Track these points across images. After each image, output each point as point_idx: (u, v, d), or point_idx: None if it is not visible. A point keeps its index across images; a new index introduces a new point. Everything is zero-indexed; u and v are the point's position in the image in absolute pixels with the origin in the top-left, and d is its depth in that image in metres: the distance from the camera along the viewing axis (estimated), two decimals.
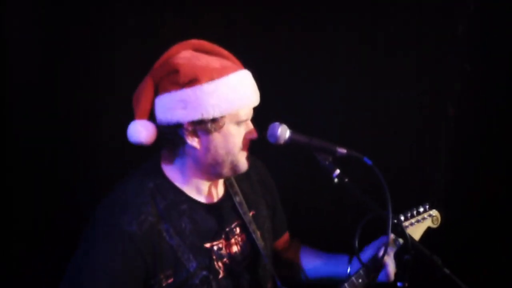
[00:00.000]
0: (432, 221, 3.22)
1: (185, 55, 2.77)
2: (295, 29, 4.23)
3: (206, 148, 2.75)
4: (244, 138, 2.79)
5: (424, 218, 3.19)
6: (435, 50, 4.27)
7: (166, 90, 2.73)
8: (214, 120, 2.70)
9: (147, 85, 2.77)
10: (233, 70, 2.76)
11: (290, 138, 2.74)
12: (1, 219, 3.73)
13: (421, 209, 3.20)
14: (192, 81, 2.68)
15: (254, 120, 2.87)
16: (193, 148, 2.75)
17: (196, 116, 2.68)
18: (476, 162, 4.34)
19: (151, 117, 2.79)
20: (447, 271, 2.70)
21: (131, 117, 3.69)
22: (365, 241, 2.91)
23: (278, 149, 2.86)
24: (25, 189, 3.81)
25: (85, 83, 3.95)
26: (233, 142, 2.76)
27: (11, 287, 3.74)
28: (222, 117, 2.71)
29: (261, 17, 4.22)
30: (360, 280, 2.97)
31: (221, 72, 2.72)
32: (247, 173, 2.95)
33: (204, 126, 2.70)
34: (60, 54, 3.88)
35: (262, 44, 4.16)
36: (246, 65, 2.89)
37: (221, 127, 2.72)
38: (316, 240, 3.35)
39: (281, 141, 2.75)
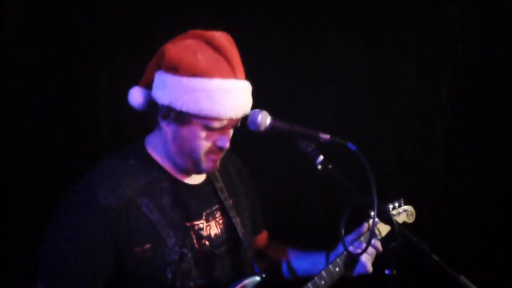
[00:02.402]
0: (407, 216, 3.25)
1: (189, 43, 2.74)
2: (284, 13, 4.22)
3: (173, 136, 2.76)
4: (214, 144, 2.74)
5: (399, 213, 3.23)
6: (425, 32, 4.22)
7: (160, 68, 2.75)
8: (180, 114, 2.68)
9: (154, 57, 2.81)
10: (223, 76, 2.68)
11: (271, 125, 2.68)
12: (1, 219, 3.75)
13: (396, 204, 3.23)
14: (173, 69, 2.68)
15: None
16: (164, 130, 2.77)
17: (166, 102, 2.68)
18: (472, 147, 4.28)
19: None
20: (435, 257, 2.61)
21: (130, 115, 3.74)
22: (352, 229, 2.84)
23: (260, 142, 2.82)
24: (25, 187, 3.83)
25: (84, 82, 3.98)
26: (199, 144, 2.72)
27: (11, 285, 3.74)
28: (188, 114, 2.67)
29: (260, 14, 4.22)
30: (337, 269, 2.98)
31: (204, 72, 2.66)
32: (225, 166, 2.99)
33: (172, 115, 2.70)
34: (59, 52, 3.91)
35: (260, 38, 4.15)
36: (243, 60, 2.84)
37: (187, 123, 2.70)
38: (297, 233, 3.32)
39: (262, 128, 2.68)
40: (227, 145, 2.74)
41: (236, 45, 2.81)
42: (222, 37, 2.74)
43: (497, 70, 4.22)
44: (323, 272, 2.96)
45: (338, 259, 2.99)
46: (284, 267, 3.22)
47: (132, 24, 4.05)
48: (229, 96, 2.68)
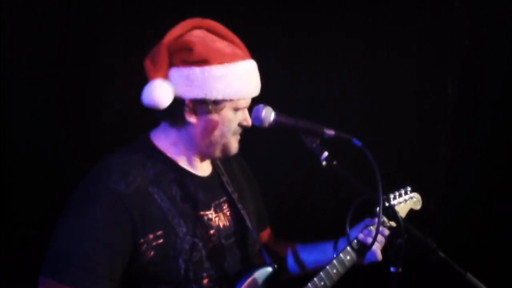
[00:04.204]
0: (414, 203, 3.26)
1: (199, 34, 2.77)
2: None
3: (203, 127, 2.76)
4: (239, 124, 2.80)
5: (406, 200, 3.22)
6: (432, 26, 4.22)
7: (174, 64, 2.73)
8: (215, 102, 2.71)
9: (163, 50, 2.73)
10: (242, 58, 2.78)
11: (275, 120, 2.71)
12: (1, 219, 3.73)
13: (403, 191, 3.23)
14: (203, 61, 2.69)
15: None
16: (191, 125, 2.76)
17: (200, 95, 2.70)
18: (478, 140, 4.29)
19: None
20: (442, 254, 2.60)
21: (131, 114, 3.74)
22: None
23: (265, 139, 2.80)
24: (25, 187, 3.81)
25: (84, 82, 3.96)
26: (228, 127, 2.77)
27: (11, 285, 3.73)
28: (223, 100, 2.72)
29: (260, 14, 4.23)
30: (348, 257, 2.98)
31: (231, 58, 2.74)
32: (228, 161, 3.01)
33: (204, 106, 2.72)
34: (59, 52, 3.91)
35: (260, 38, 4.14)
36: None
37: (220, 110, 2.74)
38: (303, 231, 3.30)
39: (266, 123, 2.71)
40: (250, 123, 2.81)
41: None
42: (218, 25, 2.85)
43: (505, 67, 4.22)
44: (334, 261, 2.95)
45: (348, 247, 2.97)
46: (291, 261, 3.20)
47: (132, 24, 4.04)
48: (252, 75, 2.81)
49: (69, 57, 3.93)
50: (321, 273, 2.96)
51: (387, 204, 2.57)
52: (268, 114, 2.70)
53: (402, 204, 3.20)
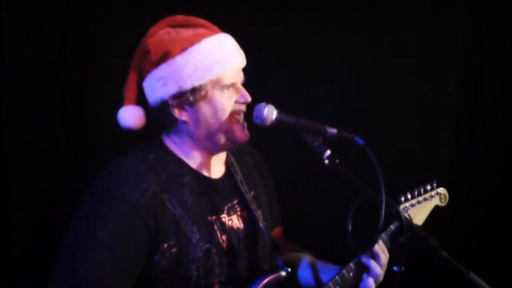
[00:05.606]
0: (440, 199, 3.17)
1: (159, 33, 2.77)
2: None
3: (196, 120, 2.72)
4: (235, 103, 2.75)
5: (432, 196, 3.15)
6: (432, 26, 4.22)
7: (147, 72, 2.75)
8: (194, 90, 2.68)
9: (130, 71, 2.80)
10: (206, 36, 2.74)
11: (277, 119, 2.67)
12: (1, 219, 3.72)
13: (428, 187, 3.15)
14: (165, 56, 2.69)
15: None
16: (185, 123, 2.73)
17: (175, 90, 2.68)
18: (478, 140, 4.29)
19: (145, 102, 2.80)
20: (445, 254, 2.59)
21: None
22: (358, 225, 2.81)
23: (268, 137, 2.78)
24: (25, 187, 3.81)
25: (84, 82, 3.96)
26: (221, 109, 2.72)
27: (11, 285, 3.72)
28: (201, 85, 2.69)
29: (260, 14, 4.23)
30: (350, 274, 2.84)
31: (192, 41, 2.71)
32: (242, 157, 2.97)
33: (186, 98, 2.68)
34: (59, 52, 3.90)
35: (260, 39, 4.15)
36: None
37: (204, 96, 2.70)
38: (306, 230, 3.28)
39: (268, 122, 2.67)
40: (249, 98, 2.76)
41: (237, 44, 2.85)
42: (179, 16, 2.84)
43: (505, 67, 4.22)
44: (337, 277, 2.82)
45: (351, 264, 2.84)
46: (305, 273, 3.03)
47: (132, 24, 4.03)
48: (223, 48, 2.75)
49: (69, 57, 3.92)
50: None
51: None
52: (270, 113, 2.67)
53: (427, 201, 3.12)
